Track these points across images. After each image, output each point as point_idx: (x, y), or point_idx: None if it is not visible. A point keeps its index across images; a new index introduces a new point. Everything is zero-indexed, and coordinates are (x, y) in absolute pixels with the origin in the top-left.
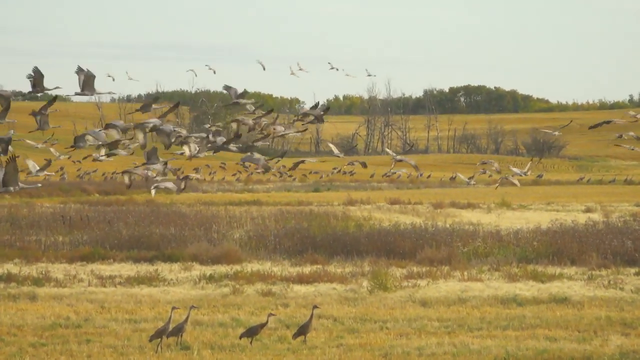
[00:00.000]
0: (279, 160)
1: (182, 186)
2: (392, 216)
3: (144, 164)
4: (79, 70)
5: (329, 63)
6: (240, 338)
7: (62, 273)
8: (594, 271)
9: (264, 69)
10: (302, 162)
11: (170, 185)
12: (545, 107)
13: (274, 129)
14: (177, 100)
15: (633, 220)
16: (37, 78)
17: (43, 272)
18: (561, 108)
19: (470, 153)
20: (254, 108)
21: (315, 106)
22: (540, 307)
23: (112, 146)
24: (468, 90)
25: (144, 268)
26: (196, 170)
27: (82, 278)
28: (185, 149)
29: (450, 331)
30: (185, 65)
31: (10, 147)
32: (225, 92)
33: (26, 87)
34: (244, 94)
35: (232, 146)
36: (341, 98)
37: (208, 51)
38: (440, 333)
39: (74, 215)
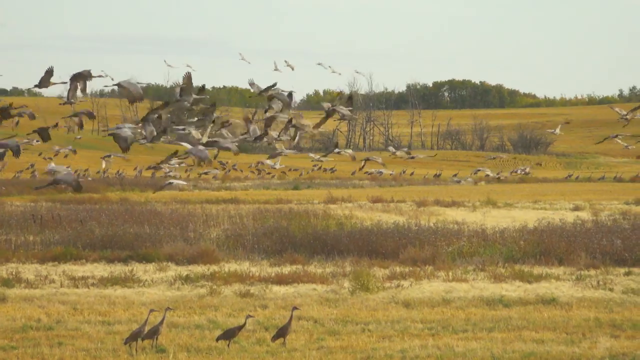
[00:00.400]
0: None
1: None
2: (374, 215)
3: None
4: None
5: (319, 63)
6: (217, 341)
7: (33, 274)
8: (582, 271)
9: (249, 63)
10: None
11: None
12: (532, 102)
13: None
14: (151, 93)
15: (623, 218)
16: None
17: (13, 273)
18: (548, 103)
19: (455, 149)
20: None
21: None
22: (527, 308)
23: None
24: (452, 84)
25: (118, 268)
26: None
27: (54, 279)
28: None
29: (434, 333)
30: (159, 58)
31: None
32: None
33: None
34: (274, 86)
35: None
36: (321, 93)
37: (183, 44)
38: (423, 335)
39: (45, 214)
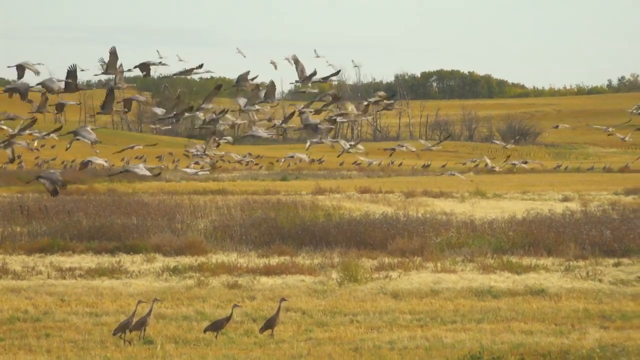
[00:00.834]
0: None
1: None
2: (363, 205)
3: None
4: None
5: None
6: (205, 332)
7: (20, 265)
8: (571, 262)
9: (244, 57)
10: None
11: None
12: (521, 92)
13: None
14: (137, 84)
15: (612, 209)
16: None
17: (0, 264)
18: (537, 93)
19: (444, 140)
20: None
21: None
22: (515, 299)
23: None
24: (441, 75)
25: (105, 260)
26: (159, 158)
27: (41, 270)
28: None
29: (422, 324)
30: (146, 49)
31: None
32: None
33: None
34: (314, 74)
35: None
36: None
37: (170, 34)
38: (412, 326)
39: (32, 205)
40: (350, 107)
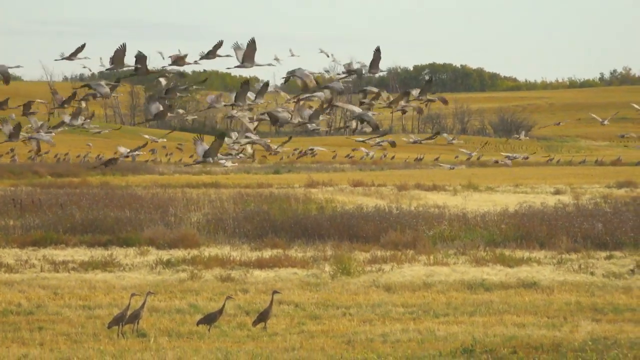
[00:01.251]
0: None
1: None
2: (355, 198)
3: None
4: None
5: (321, 51)
6: (198, 325)
7: (13, 258)
8: (563, 255)
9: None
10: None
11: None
12: (513, 85)
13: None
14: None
15: (604, 202)
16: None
17: None
18: (529, 87)
19: (434, 136)
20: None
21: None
22: (508, 292)
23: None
24: (433, 68)
25: (99, 253)
26: (152, 151)
27: (34, 263)
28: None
29: (415, 317)
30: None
31: None
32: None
33: None
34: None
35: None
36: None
37: (161, 29)
38: (405, 319)
39: (25, 198)
40: (386, 96)
